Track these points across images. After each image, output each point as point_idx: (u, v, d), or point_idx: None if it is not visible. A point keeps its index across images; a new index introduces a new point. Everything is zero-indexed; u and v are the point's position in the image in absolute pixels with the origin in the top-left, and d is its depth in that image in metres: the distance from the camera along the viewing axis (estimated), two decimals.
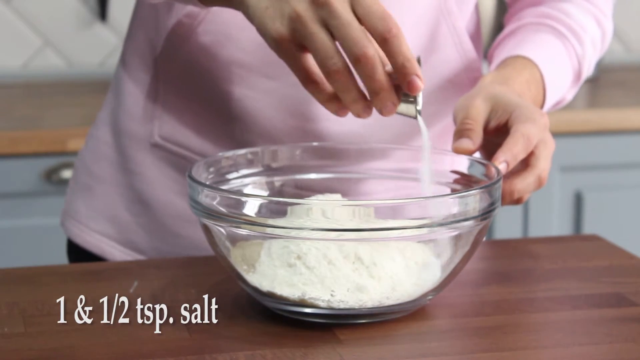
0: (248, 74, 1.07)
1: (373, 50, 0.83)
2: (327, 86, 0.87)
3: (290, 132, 1.08)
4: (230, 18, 1.05)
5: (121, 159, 1.15)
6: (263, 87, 1.07)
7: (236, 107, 1.08)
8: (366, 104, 0.86)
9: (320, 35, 0.83)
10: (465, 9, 1.12)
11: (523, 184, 0.96)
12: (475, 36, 1.16)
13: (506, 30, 1.17)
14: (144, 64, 1.13)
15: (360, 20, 0.84)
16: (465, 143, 0.96)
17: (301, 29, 0.84)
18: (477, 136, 0.97)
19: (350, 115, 0.89)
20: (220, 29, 1.06)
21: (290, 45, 0.85)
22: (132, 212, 1.15)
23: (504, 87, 1.03)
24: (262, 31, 0.86)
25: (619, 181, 2.09)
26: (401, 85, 0.86)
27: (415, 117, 0.88)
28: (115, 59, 2.38)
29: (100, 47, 2.43)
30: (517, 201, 0.97)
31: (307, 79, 0.86)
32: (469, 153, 0.96)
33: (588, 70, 1.17)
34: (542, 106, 1.11)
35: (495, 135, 0.98)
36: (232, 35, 1.06)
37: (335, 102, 0.87)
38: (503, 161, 0.93)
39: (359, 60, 0.83)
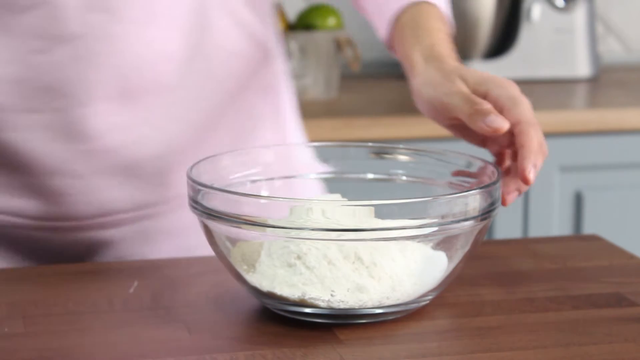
0: (10, 115, 1.01)
1: None
2: None
3: (77, 158, 1.02)
4: None
5: None
6: (29, 123, 1.01)
7: (11, 155, 1.02)
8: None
9: None
10: None
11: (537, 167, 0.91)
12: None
13: None
14: None
15: None
16: (499, 120, 0.90)
17: None
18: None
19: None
20: None
21: None
22: None
23: (449, 61, 0.97)
24: None
25: (619, 181, 2.09)
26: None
27: None
28: None
29: None
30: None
31: None
32: (503, 130, 0.90)
33: None
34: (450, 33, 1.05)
35: None
36: None
37: None
38: (532, 167, 0.89)
39: None
